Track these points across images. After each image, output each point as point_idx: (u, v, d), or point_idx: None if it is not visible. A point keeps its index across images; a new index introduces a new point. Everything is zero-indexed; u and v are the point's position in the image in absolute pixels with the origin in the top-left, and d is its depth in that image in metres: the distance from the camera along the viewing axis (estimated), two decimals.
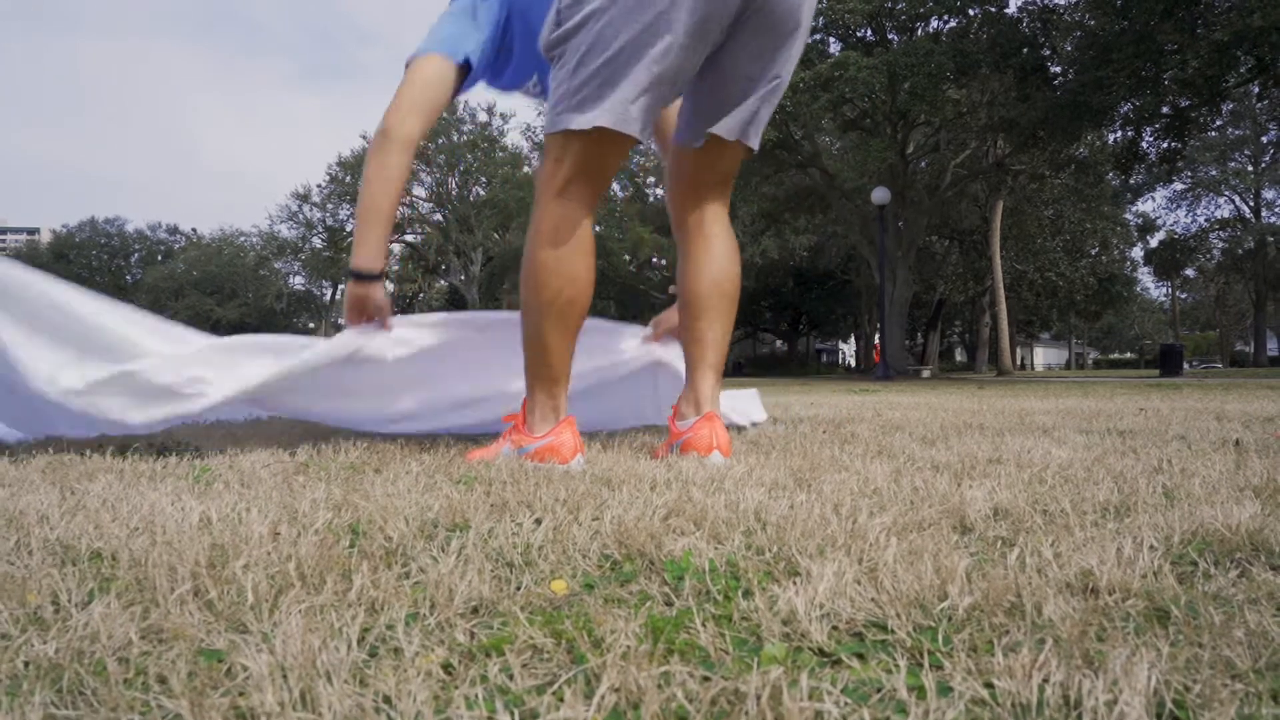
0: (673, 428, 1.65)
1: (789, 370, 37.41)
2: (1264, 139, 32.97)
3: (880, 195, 15.47)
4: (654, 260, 31.42)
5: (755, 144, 1.63)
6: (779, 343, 45.32)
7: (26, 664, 0.53)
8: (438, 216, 41.61)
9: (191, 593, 0.67)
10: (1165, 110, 14.40)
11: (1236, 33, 11.33)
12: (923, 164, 21.29)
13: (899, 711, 0.46)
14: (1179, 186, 34.27)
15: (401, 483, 1.21)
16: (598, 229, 28.13)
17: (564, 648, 0.56)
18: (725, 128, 1.58)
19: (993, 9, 15.62)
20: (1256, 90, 15.27)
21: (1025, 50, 14.95)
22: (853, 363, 48.22)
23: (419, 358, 1.79)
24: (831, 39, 18.20)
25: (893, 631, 0.58)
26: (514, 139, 42.23)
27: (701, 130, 1.60)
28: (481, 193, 40.02)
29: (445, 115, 39.45)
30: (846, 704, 0.47)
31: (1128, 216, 29.21)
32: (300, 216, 41.10)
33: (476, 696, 0.47)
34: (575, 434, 1.48)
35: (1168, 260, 35.04)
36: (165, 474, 1.33)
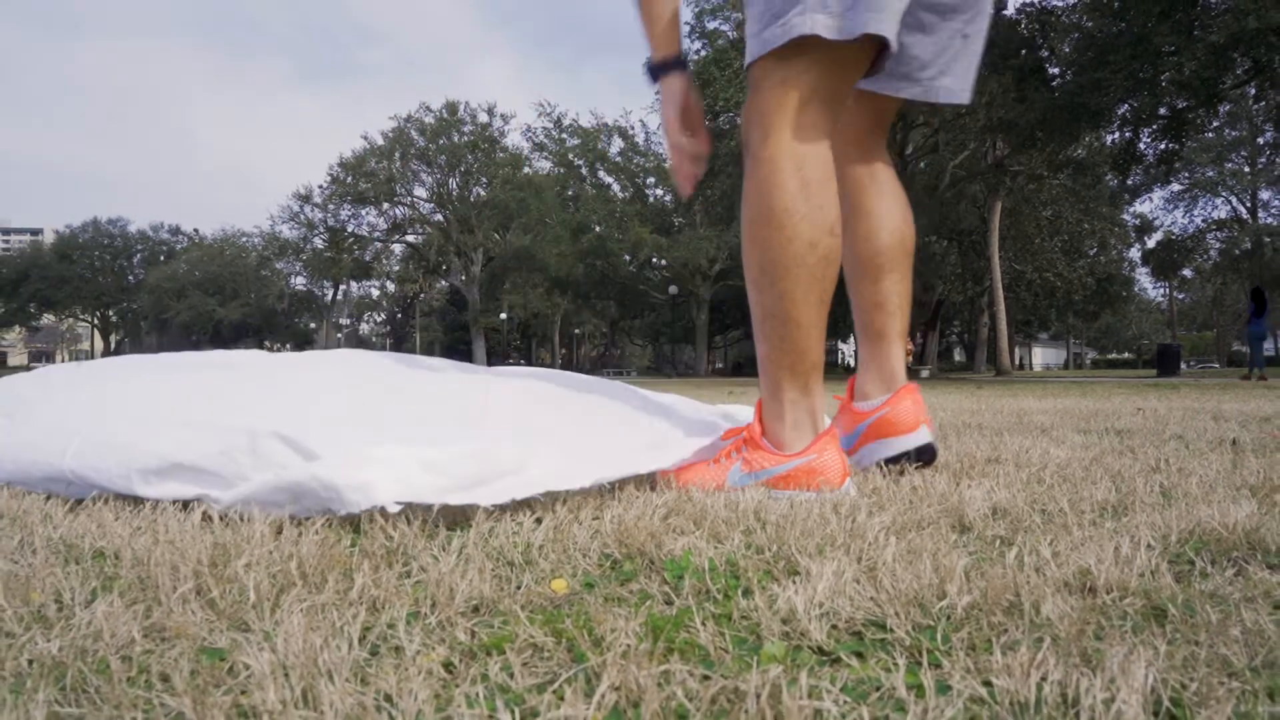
0: (852, 410, 1.41)
1: None
2: (1260, 140, 32.90)
3: None
4: (654, 260, 31.38)
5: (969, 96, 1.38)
6: None
7: (30, 662, 0.53)
8: (438, 217, 41.58)
9: (194, 591, 0.67)
10: (1162, 111, 14.39)
11: (1232, 35, 11.34)
12: (921, 164, 21.25)
13: (898, 710, 0.46)
14: (1176, 187, 34.27)
15: None
16: (597, 229, 28.07)
17: (564, 646, 0.56)
18: (950, 88, 1.36)
19: (991, 10, 15.59)
20: (1253, 92, 15.25)
21: (1023, 51, 14.95)
22: (852, 362, 48.13)
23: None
24: None
25: (892, 630, 0.58)
26: (514, 140, 42.11)
27: (907, 75, 1.35)
28: (482, 193, 39.99)
29: (446, 116, 39.42)
30: (845, 702, 0.47)
31: (1125, 217, 29.19)
32: (301, 217, 41.02)
33: (477, 695, 0.48)
34: (841, 450, 1.18)
35: (1165, 260, 35.01)
36: None
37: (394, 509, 0.91)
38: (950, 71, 1.37)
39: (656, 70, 1.34)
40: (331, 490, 0.91)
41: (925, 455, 1.35)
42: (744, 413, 1.42)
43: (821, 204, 1.15)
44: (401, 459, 0.95)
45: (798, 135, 1.15)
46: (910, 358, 22.42)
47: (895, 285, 1.40)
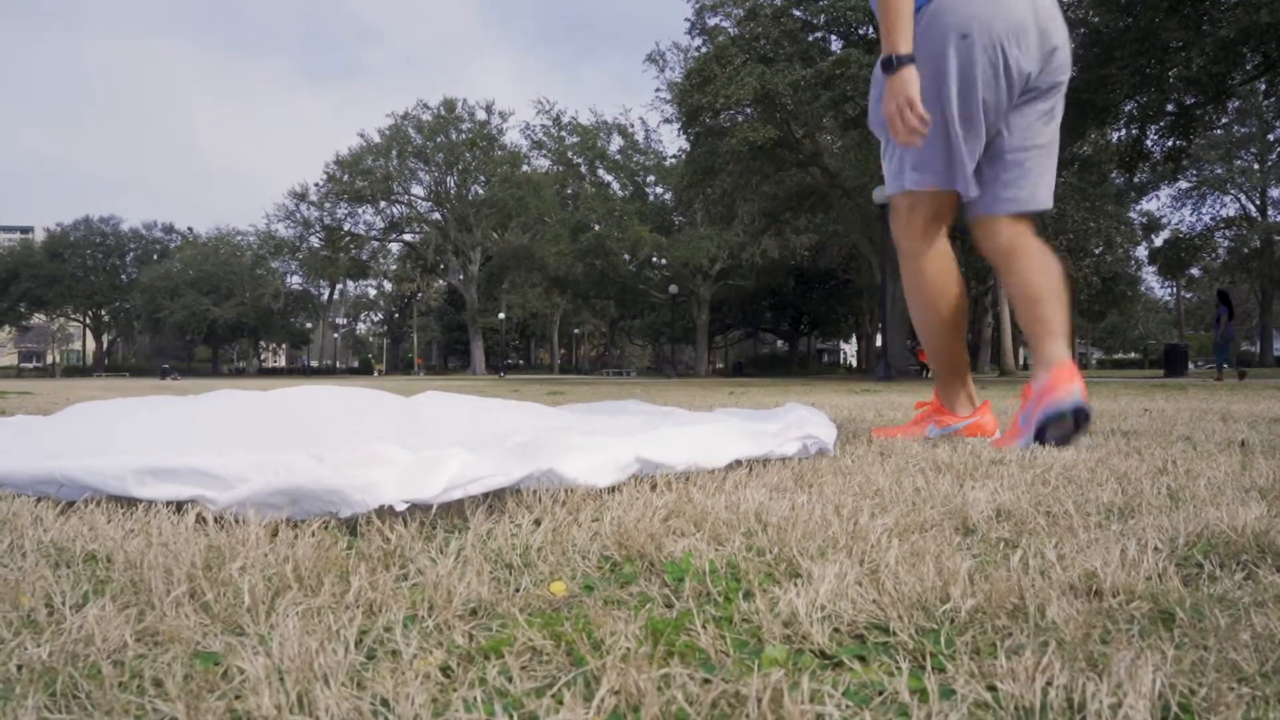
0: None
1: (790, 370, 37.42)
2: (1270, 136, 32.69)
3: (881, 194, 15.45)
4: (654, 259, 31.35)
5: (1045, 204, 1.92)
6: (780, 343, 45.36)
7: (20, 667, 0.53)
8: (436, 216, 41.57)
9: (187, 595, 0.66)
10: (1170, 108, 14.30)
11: (1243, 29, 11.22)
12: None
13: (901, 714, 0.45)
14: (1184, 185, 33.83)
15: None
16: (596, 228, 28.06)
17: (563, 650, 0.55)
18: (1019, 203, 1.89)
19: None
20: (1263, 87, 15.15)
21: None
22: (854, 363, 48.17)
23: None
24: (833, 37, 18.18)
25: (894, 634, 0.57)
26: (513, 138, 42.00)
27: (994, 203, 1.91)
28: (480, 192, 39.98)
29: (443, 113, 39.39)
30: (848, 707, 0.46)
31: (1132, 215, 29.01)
32: (297, 215, 41.02)
33: (475, 699, 0.47)
34: (993, 416, 2.04)
35: (1172, 259, 34.72)
36: None
37: (401, 507, 0.91)
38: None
39: (900, 61, 1.70)
40: (335, 492, 0.91)
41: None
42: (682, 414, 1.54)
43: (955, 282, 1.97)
44: (404, 458, 0.95)
45: (924, 242, 1.95)
46: (925, 358, 22.53)
47: (1052, 310, 1.85)
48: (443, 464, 0.96)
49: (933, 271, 1.94)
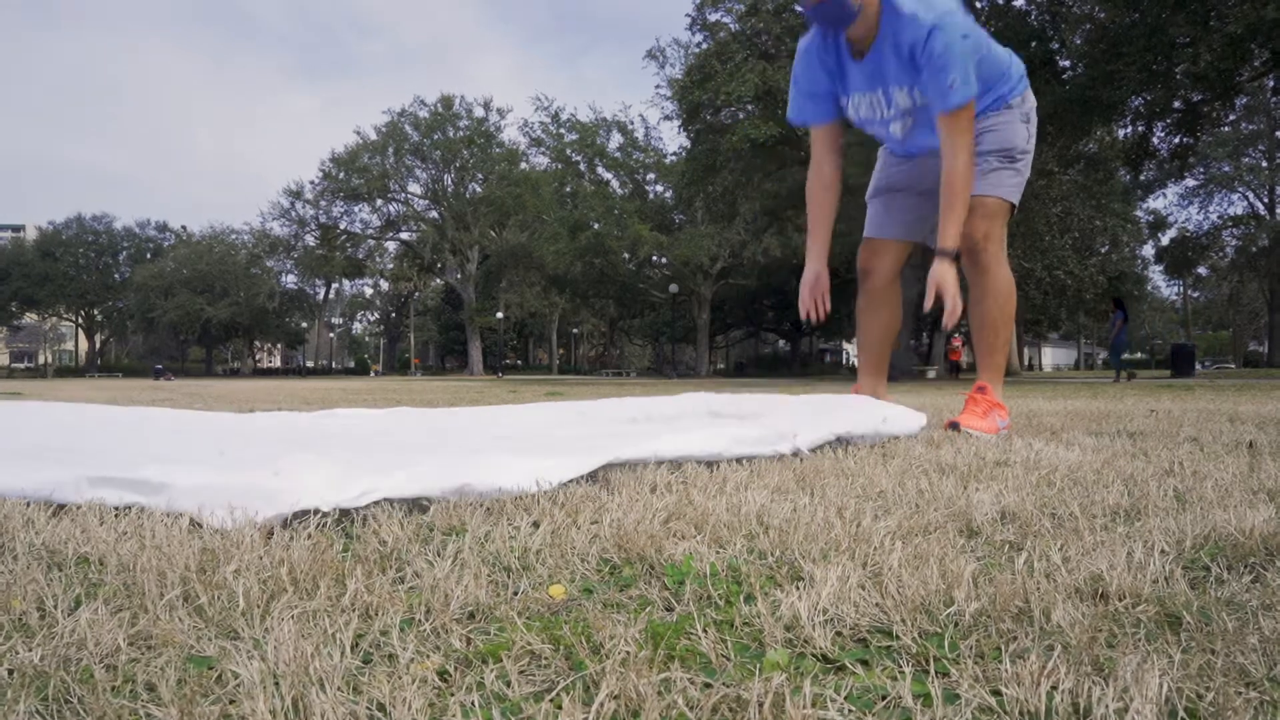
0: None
1: (791, 370, 37.40)
2: (1278, 134, 32.58)
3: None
4: (654, 258, 31.29)
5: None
6: (781, 342, 45.31)
7: (11, 672, 0.52)
8: (433, 213, 41.50)
9: (181, 598, 0.66)
10: (1177, 105, 14.22)
11: (1250, 25, 11.12)
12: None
13: (904, 719, 0.45)
14: (1191, 183, 33.24)
15: None
16: (595, 226, 28.04)
17: (562, 654, 0.55)
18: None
19: (1000, 0, 15.50)
20: (1271, 84, 15.08)
21: (1033, 43, 14.74)
22: (857, 363, 47.95)
23: None
24: None
25: (898, 637, 0.57)
26: (511, 134, 41.86)
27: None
28: (478, 189, 39.88)
29: (440, 110, 39.30)
30: (850, 711, 0.46)
31: (1138, 213, 28.85)
32: (293, 214, 40.78)
33: (473, 704, 0.47)
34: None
35: (1179, 258, 34.39)
36: None
37: (361, 502, 0.98)
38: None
39: (956, 255, 2.12)
40: (262, 496, 0.94)
41: None
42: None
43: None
44: (325, 464, 1.02)
45: (1002, 249, 2.29)
46: (958, 357, 22.77)
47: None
48: (364, 471, 1.02)
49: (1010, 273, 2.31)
